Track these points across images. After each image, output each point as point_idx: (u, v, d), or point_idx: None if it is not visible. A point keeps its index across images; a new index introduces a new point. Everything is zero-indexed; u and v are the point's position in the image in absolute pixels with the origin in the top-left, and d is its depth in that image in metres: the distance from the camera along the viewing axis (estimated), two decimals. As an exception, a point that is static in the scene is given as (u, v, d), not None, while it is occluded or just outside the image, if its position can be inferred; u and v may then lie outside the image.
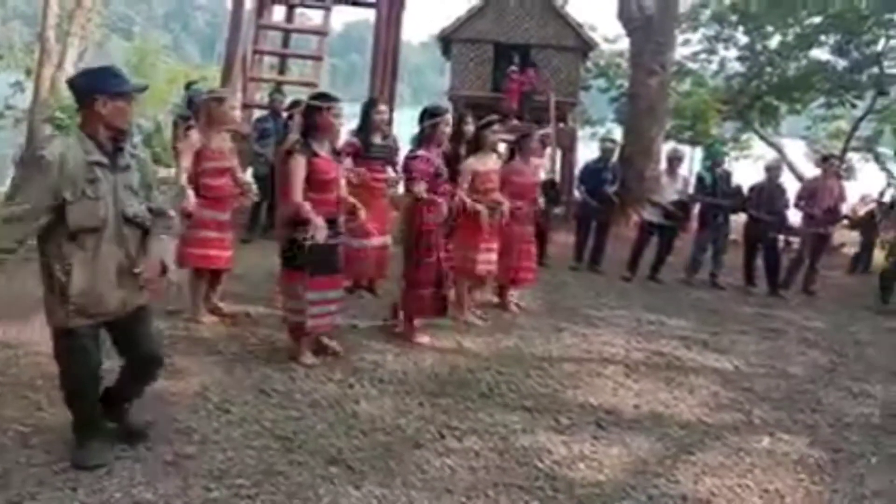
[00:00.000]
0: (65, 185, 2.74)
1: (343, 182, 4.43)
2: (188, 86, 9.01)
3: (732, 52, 20.24)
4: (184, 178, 4.74)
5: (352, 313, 5.44)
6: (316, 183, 4.14)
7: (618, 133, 16.10)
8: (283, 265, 4.29)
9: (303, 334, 4.35)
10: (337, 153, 4.41)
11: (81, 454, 3.02)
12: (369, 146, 5.76)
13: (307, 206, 4.06)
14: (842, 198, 8.40)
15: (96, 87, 2.85)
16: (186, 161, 4.76)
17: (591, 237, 8.41)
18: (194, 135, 4.85)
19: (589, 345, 5.39)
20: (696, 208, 8.29)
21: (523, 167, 6.07)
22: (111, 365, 3.23)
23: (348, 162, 5.33)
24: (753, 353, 5.58)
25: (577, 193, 9.21)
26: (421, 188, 4.69)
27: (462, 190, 5.21)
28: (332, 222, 4.22)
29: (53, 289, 2.85)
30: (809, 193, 8.19)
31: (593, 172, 8.37)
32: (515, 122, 12.49)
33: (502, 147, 6.76)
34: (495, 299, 6.23)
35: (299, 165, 4.07)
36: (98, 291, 2.87)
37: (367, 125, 5.74)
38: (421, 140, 4.83)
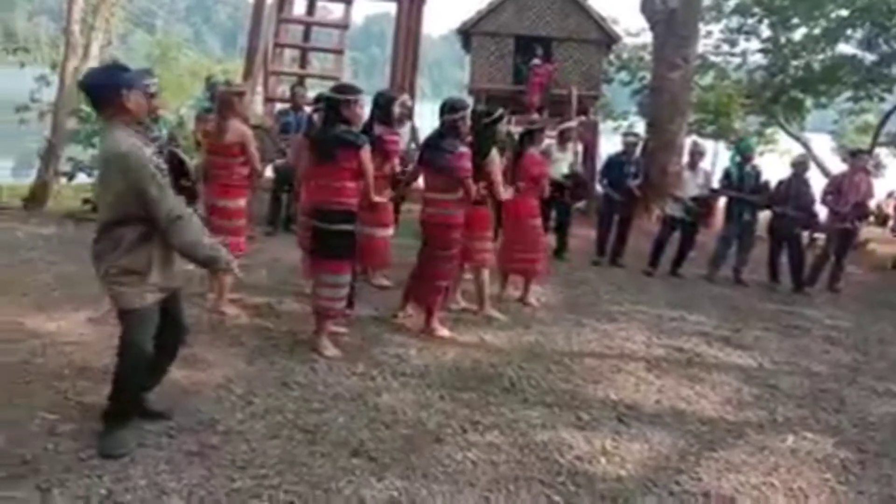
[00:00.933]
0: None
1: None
2: (208, 79, 9.08)
3: (755, 45, 19.95)
4: (259, 164, 5.01)
5: (374, 305, 5.48)
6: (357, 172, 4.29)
7: (640, 126, 15.96)
8: (333, 255, 4.33)
9: (331, 319, 4.48)
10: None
11: (109, 442, 3.07)
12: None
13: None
14: (869, 194, 8.25)
15: (126, 82, 2.95)
16: (253, 147, 4.95)
17: (613, 231, 8.35)
18: (236, 124, 4.90)
19: (610, 340, 5.37)
20: (723, 203, 8.19)
21: (540, 157, 6.07)
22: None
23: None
24: (776, 351, 5.52)
25: (599, 187, 9.14)
26: (473, 187, 4.80)
27: (504, 183, 5.24)
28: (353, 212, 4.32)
29: (131, 272, 2.95)
30: (836, 189, 8.06)
31: (616, 166, 8.30)
32: (536, 115, 12.43)
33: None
34: (517, 293, 6.22)
35: (369, 155, 4.29)
36: (172, 269, 3.10)
37: (390, 118, 5.75)
38: (445, 134, 4.80)
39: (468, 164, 4.72)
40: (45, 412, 3.35)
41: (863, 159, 8.42)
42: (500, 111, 5.39)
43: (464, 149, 4.73)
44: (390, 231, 5.91)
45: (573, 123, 9.69)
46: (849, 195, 7.94)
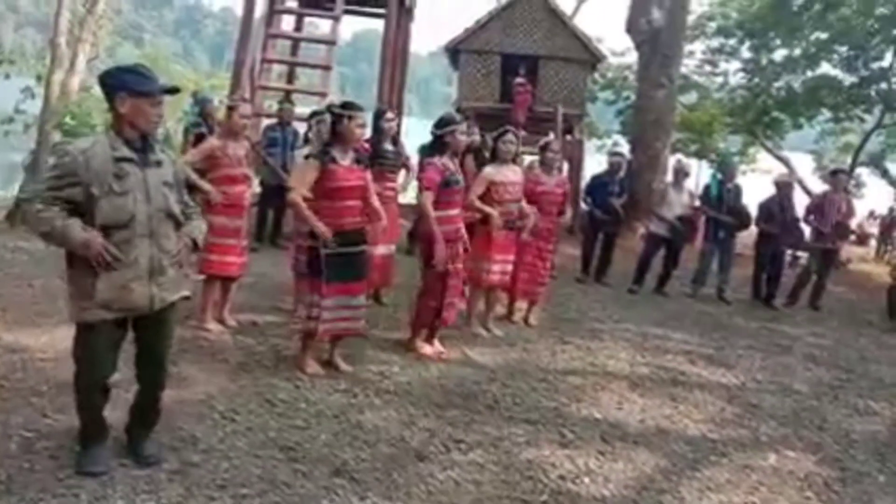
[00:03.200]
0: (91, 180, 2.74)
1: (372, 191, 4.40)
2: (195, 94, 9.07)
3: (735, 65, 20.27)
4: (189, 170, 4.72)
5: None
6: (331, 191, 4.14)
7: (623, 145, 16.10)
8: (300, 273, 4.33)
9: (311, 339, 4.35)
10: (358, 161, 4.35)
11: (84, 459, 3.02)
12: (380, 153, 5.82)
13: (302, 207, 4.11)
14: (850, 213, 8.36)
15: (117, 84, 2.83)
16: (189, 157, 4.87)
17: (598, 249, 8.39)
18: (213, 140, 4.95)
19: (594, 358, 5.38)
20: (703, 220, 8.28)
21: (544, 178, 6.07)
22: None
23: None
24: (759, 369, 5.55)
25: (583, 205, 9.19)
26: (428, 199, 4.70)
27: (473, 198, 5.22)
28: (354, 231, 4.24)
29: (79, 283, 2.82)
30: (817, 208, 8.16)
31: (600, 185, 8.36)
32: (523, 133, 12.51)
33: (529, 158, 6.80)
34: (501, 310, 6.21)
35: (307, 169, 4.15)
36: (126, 286, 2.85)
37: (377, 133, 5.79)
38: (434, 148, 4.85)
39: (431, 174, 4.71)
40: (22, 429, 3.30)
41: (843, 179, 8.53)
42: (506, 128, 5.50)
43: (434, 159, 4.76)
44: (382, 249, 5.76)
45: (551, 138, 9.76)
46: (830, 215, 8.04)
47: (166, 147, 3.08)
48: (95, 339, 2.89)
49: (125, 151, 2.83)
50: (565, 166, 13.13)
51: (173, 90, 3.08)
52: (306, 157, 4.29)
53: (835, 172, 8.81)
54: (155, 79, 2.93)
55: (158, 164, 2.93)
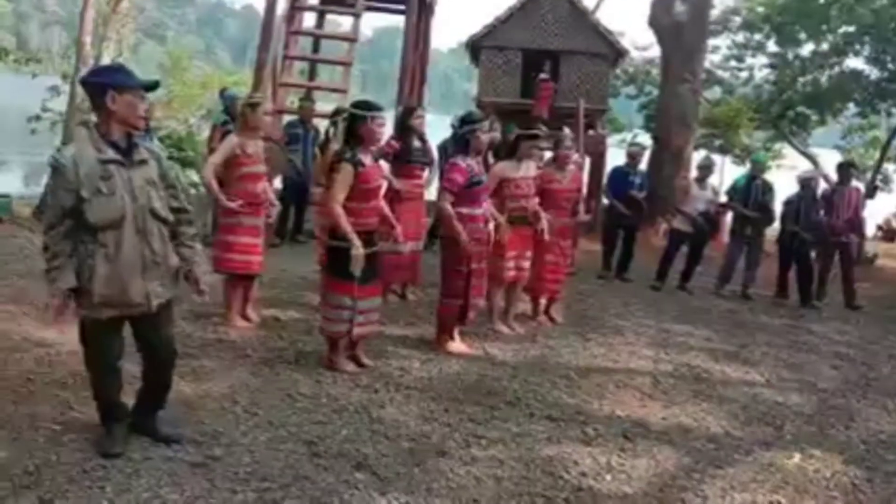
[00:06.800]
0: (81, 184, 2.85)
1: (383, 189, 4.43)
2: (223, 91, 9.14)
3: (761, 60, 19.96)
4: (209, 172, 4.88)
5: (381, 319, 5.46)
6: (361, 192, 4.14)
7: (645, 139, 15.93)
8: (328, 273, 4.33)
9: (342, 339, 4.35)
10: (376, 159, 4.37)
11: (104, 441, 3.14)
12: (410, 150, 5.82)
13: (344, 218, 4.06)
14: (860, 206, 8.21)
15: (106, 83, 2.93)
16: (217, 158, 4.90)
17: (619, 245, 8.33)
18: (233, 138, 4.96)
19: (616, 355, 5.34)
20: (730, 217, 8.20)
21: (557, 175, 5.98)
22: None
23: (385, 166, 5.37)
24: (784, 367, 5.47)
25: (604, 199, 9.13)
26: (446, 201, 4.69)
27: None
28: (375, 232, 4.28)
29: (80, 282, 2.94)
30: (827, 203, 8.03)
31: (621, 176, 8.29)
32: (545, 128, 12.45)
33: (548, 155, 6.75)
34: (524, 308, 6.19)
35: (347, 174, 4.09)
36: (122, 284, 2.96)
37: (406, 130, 5.80)
38: (458, 147, 4.87)
39: (454, 176, 4.71)
40: (50, 421, 3.35)
41: (850, 172, 8.38)
42: (535, 130, 5.53)
43: (459, 160, 4.76)
44: (410, 246, 5.77)
45: (570, 133, 9.70)
46: (840, 208, 7.92)
47: (162, 145, 3.18)
48: (98, 332, 3.06)
49: (110, 154, 2.92)
50: (587, 161, 13.06)
51: (154, 85, 3.16)
52: (335, 161, 4.24)
53: (842, 165, 8.64)
54: (135, 75, 3.05)
55: (142, 163, 3.02)
